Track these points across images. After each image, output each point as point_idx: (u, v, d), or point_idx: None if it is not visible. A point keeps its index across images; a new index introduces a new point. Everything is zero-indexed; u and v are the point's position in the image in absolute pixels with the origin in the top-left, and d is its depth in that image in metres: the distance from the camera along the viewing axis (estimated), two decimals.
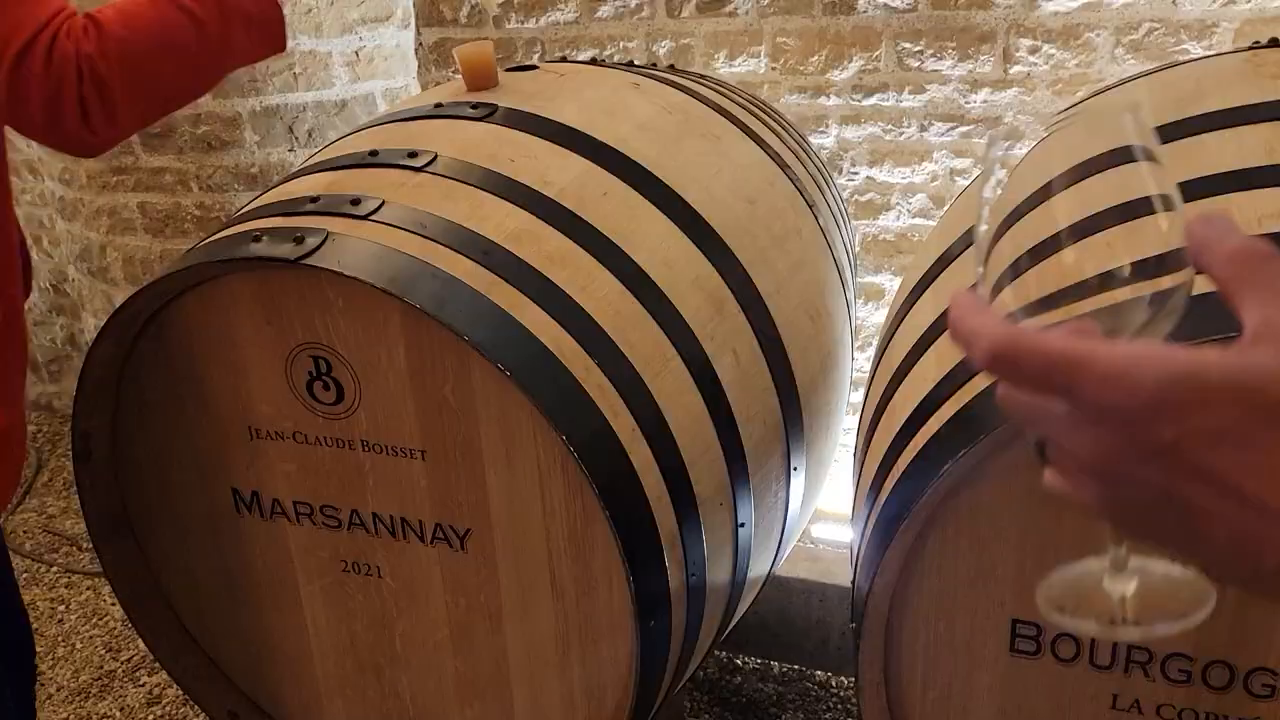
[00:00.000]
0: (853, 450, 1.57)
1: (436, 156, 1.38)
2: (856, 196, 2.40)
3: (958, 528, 1.12)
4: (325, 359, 1.30)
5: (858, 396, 1.72)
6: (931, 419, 1.13)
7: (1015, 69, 2.17)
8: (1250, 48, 1.45)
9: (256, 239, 1.24)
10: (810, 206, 1.76)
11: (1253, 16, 1.98)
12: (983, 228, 0.53)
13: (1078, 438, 0.45)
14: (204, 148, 2.61)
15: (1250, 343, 0.42)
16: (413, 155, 1.38)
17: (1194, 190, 1.03)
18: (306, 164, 1.51)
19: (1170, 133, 1.17)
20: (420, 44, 2.71)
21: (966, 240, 1.32)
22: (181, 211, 2.70)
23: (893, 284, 2.43)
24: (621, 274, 1.33)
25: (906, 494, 1.09)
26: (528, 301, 1.23)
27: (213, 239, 1.34)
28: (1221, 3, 1.99)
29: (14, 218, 1.29)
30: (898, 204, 2.37)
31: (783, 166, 1.76)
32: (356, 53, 2.61)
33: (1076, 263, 0.54)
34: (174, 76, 1.29)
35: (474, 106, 1.50)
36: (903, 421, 1.19)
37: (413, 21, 2.69)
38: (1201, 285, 0.49)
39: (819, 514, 2.33)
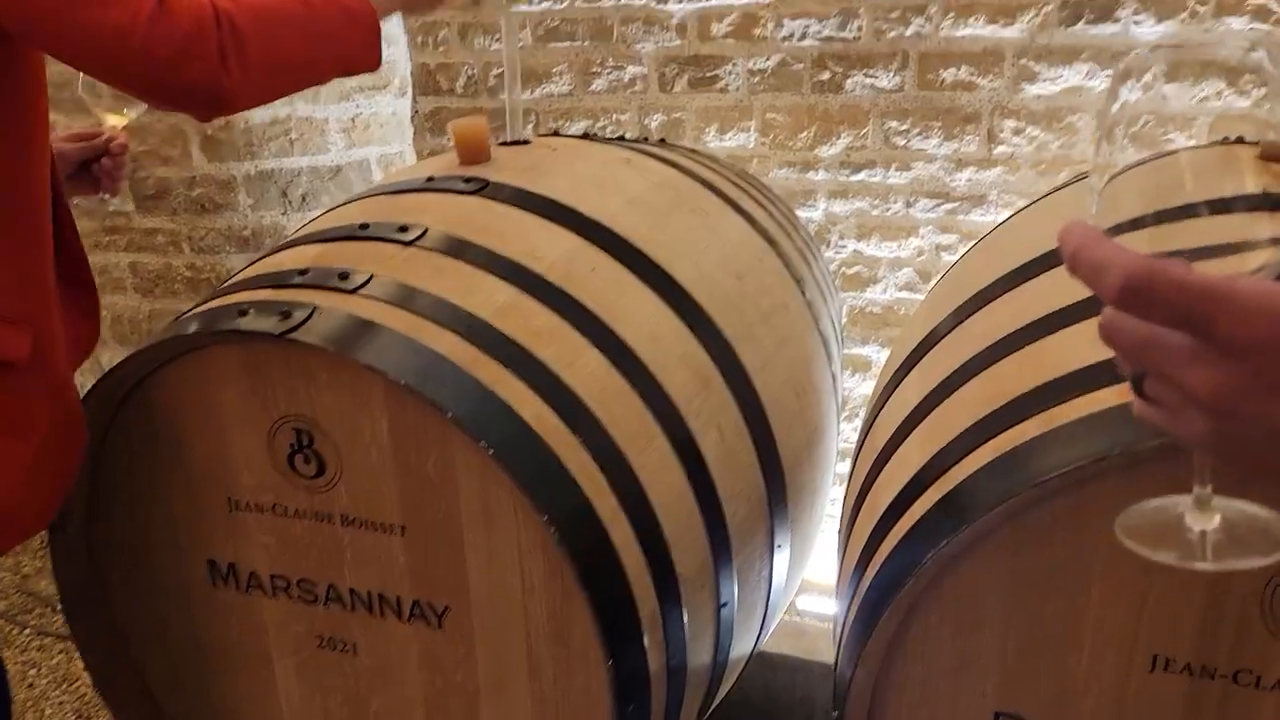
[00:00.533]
0: (838, 524, 1.57)
1: (427, 230, 1.39)
2: (844, 269, 2.42)
3: (941, 614, 1.11)
4: (308, 432, 1.29)
5: (845, 467, 1.71)
6: (915, 504, 1.12)
7: (999, 149, 2.21)
8: (1223, 142, 1.48)
9: (243, 312, 1.24)
10: (798, 282, 1.78)
11: (1223, 113, 2.02)
12: (1100, 157, 0.53)
13: (1200, 372, 0.45)
14: (197, 210, 2.63)
15: None
16: (403, 229, 1.39)
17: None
18: (298, 234, 1.52)
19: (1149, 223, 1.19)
20: (416, 111, 2.75)
21: (953, 320, 1.33)
22: (172, 272, 2.70)
23: (880, 355, 2.44)
24: (607, 350, 1.33)
25: (890, 581, 1.08)
26: (511, 376, 1.23)
27: (199, 309, 1.34)
28: (1198, 100, 2.03)
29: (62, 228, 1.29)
30: (885, 277, 2.39)
31: (770, 242, 1.77)
32: (353, 119, 2.64)
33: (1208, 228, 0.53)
34: (289, 44, 1.30)
35: (466, 180, 1.52)
36: (886, 505, 1.19)
37: (409, 90, 2.73)
38: None
39: (805, 585, 2.31)
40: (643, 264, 1.47)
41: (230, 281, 1.43)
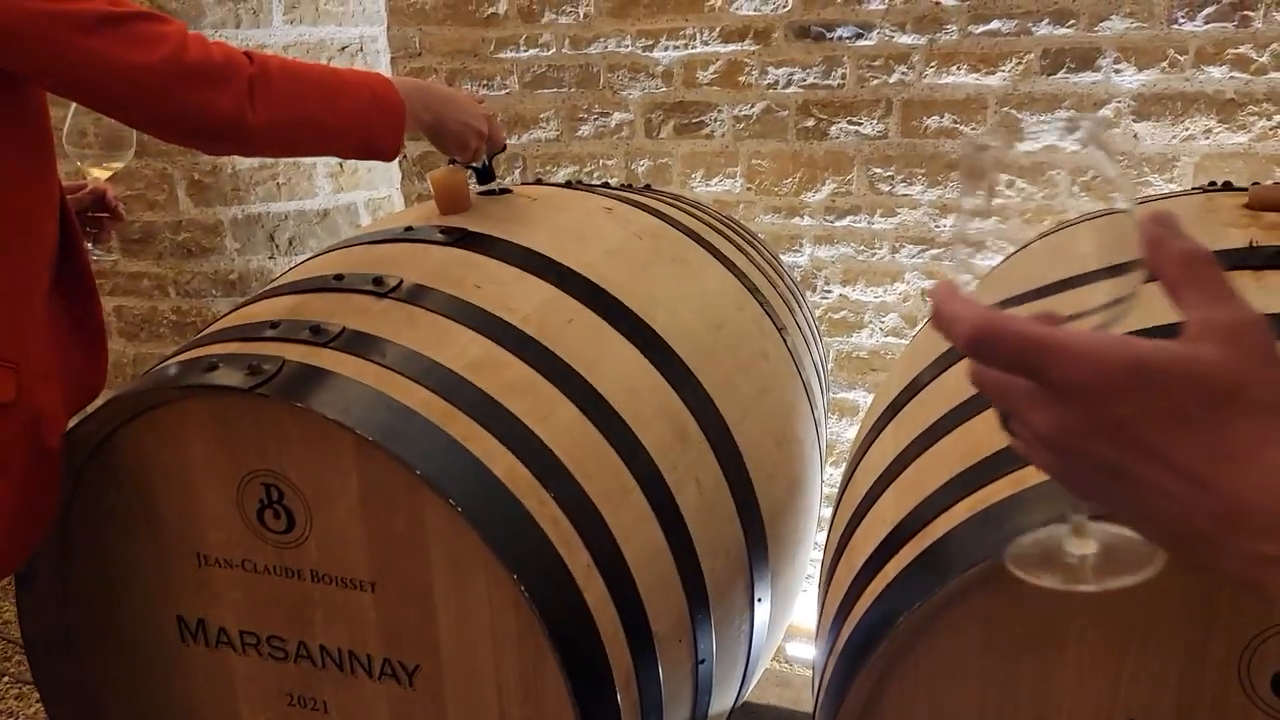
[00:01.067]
0: (819, 574, 1.54)
1: (401, 282, 1.38)
2: (830, 314, 2.41)
3: (917, 674, 1.09)
4: (277, 487, 1.27)
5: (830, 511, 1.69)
6: (891, 561, 1.11)
7: None
8: (1205, 189, 1.48)
9: (212, 366, 1.22)
10: (779, 329, 1.77)
11: (1211, 152, 2.03)
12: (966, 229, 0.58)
13: (1041, 414, 0.49)
14: (184, 254, 2.62)
15: (1195, 338, 0.47)
16: (378, 281, 1.38)
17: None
18: (274, 284, 1.51)
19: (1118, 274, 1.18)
20: (405, 156, 2.76)
21: (932, 371, 1.32)
22: (158, 316, 2.70)
23: (866, 400, 2.43)
24: (583, 403, 1.32)
25: (866, 639, 1.06)
26: (483, 432, 1.21)
27: (169, 362, 1.33)
28: (1181, 139, 2.04)
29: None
30: (871, 322, 2.38)
31: (752, 289, 1.77)
32: (340, 164, 2.65)
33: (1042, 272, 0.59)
34: (317, 102, 1.32)
35: (443, 231, 1.51)
36: (864, 559, 1.17)
37: None
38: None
39: (792, 631, 2.28)
40: (620, 314, 1.46)
41: (203, 333, 1.42)
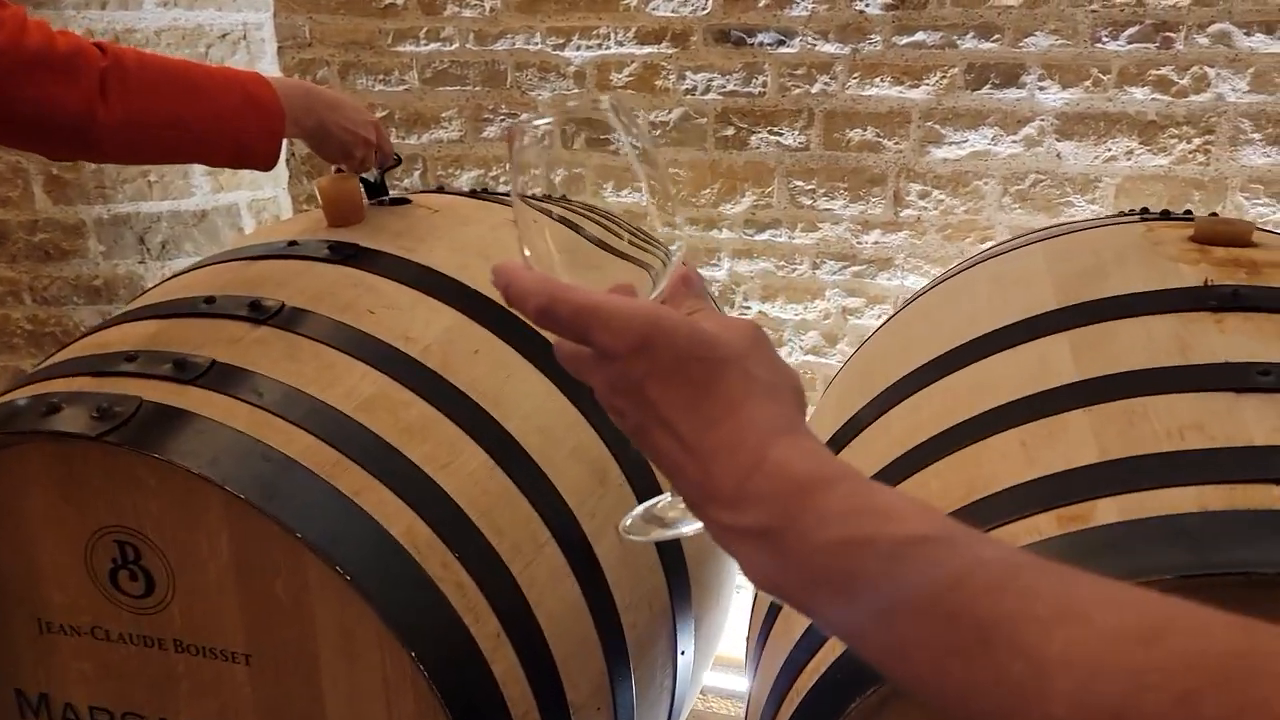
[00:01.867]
0: (747, 626, 1.43)
1: (283, 306, 1.21)
2: None
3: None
4: (133, 545, 1.10)
5: None
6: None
7: (906, 212, 2.14)
8: (1142, 217, 1.42)
9: (54, 408, 1.04)
10: None
11: (1132, 174, 2.00)
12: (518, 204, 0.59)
13: (593, 376, 0.53)
14: (40, 256, 2.37)
15: (704, 318, 0.53)
16: (254, 305, 1.21)
17: (1111, 392, 0.95)
18: (132, 307, 1.32)
19: (1078, 316, 1.10)
20: (293, 154, 2.56)
21: (870, 413, 1.22)
22: (10, 325, 2.43)
23: None
24: (491, 445, 1.18)
25: (847, 681, 0.94)
26: (377, 483, 1.06)
27: (5, 398, 1.13)
28: (1103, 159, 2.00)
29: None
30: (790, 340, 2.29)
31: None
32: None
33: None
34: (182, 102, 1.17)
35: (332, 247, 1.35)
36: (801, 633, 1.06)
37: None
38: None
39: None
40: (531, 341, 1.32)
41: (49, 363, 1.23)
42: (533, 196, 0.60)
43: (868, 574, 0.44)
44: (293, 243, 1.38)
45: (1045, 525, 0.85)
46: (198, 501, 1.05)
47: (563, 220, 0.61)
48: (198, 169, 2.41)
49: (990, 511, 0.90)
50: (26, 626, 1.17)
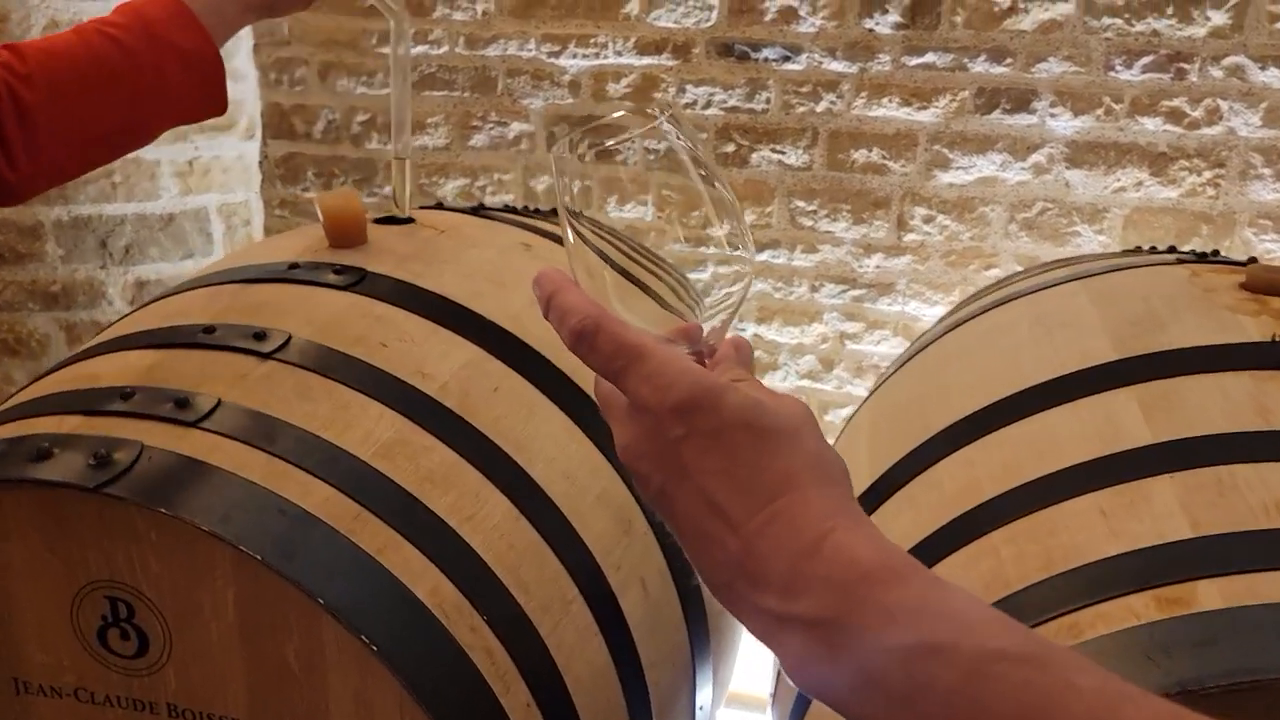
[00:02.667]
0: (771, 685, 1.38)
1: (290, 339, 1.12)
2: None
3: None
4: (126, 602, 1.00)
5: None
6: None
7: (909, 236, 2.10)
8: (1179, 258, 1.38)
9: (43, 454, 0.94)
10: None
11: (1141, 205, 1.97)
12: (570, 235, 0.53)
13: (620, 427, 0.49)
14: None
15: (750, 387, 0.48)
16: (260, 336, 1.12)
17: (1194, 457, 0.90)
18: (120, 333, 1.22)
19: (1141, 369, 1.05)
20: (266, 156, 2.44)
21: (912, 465, 1.16)
22: None
23: None
24: (515, 493, 1.10)
25: None
26: (400, 539, 0.98)
27: None
28: (1112, 189, 1.98)
29: None
30: (785, 364, 2.24)
31: None
32: (190, 163, 2.31)
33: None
34: (106, 110, 1.06)
35: (337, 271, 1.26)
36: None
37: (259, 132, 2.42)
38: None
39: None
40: (552, 378, 1.24)
41: (28, 395, 1.12)
42: (586, 217, 0.54)
43: (939, 687, 0.39)
44: (294, 265, 1.28)
45: (1142, 608, 0.80)
46: (203, 557, 0.96)
47: (612, 249, 0.55)
48: (166, 171, 2.29)
49: (1077, 587, 0.84)
50: (2, 687, 1.07)
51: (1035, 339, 1.22)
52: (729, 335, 0.54)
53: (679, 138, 0.52)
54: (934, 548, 1.01)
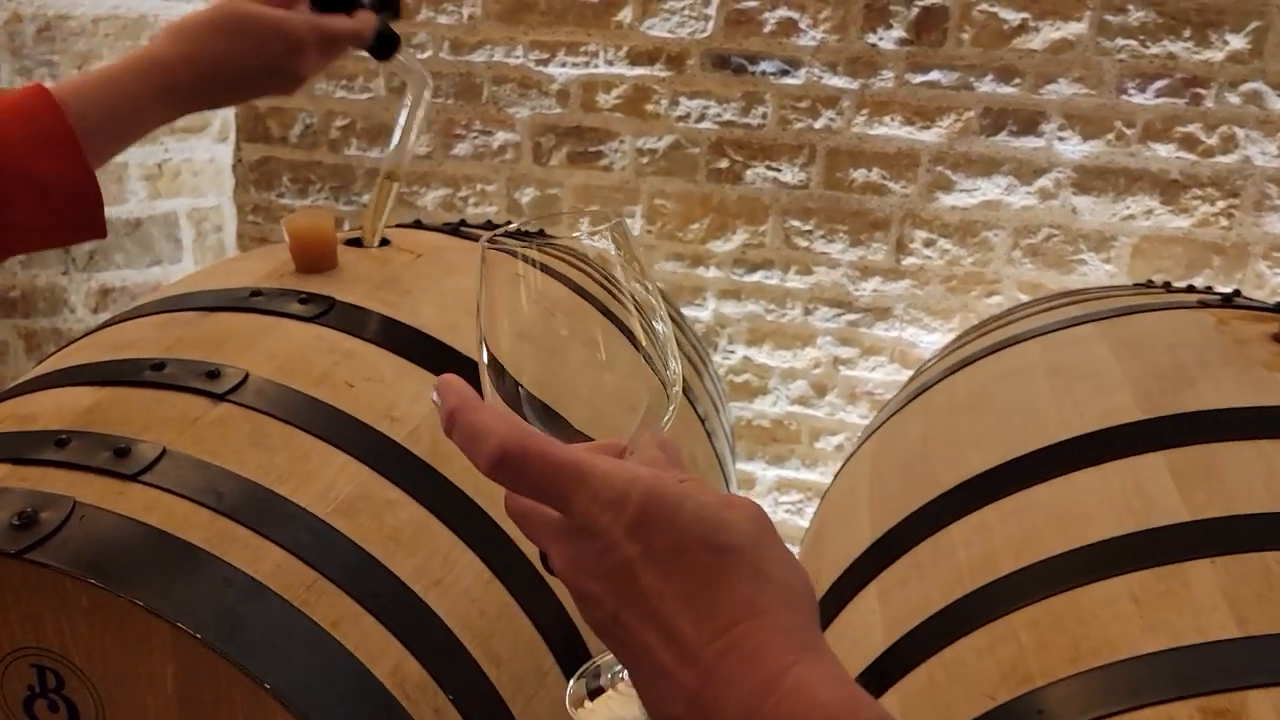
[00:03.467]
0: None
1: (247, 377, 1.03)
2: (732, 376, 2.17)
3: None
4: (55, 672, 0.90)
5: None
6: None
7: (909, 260, 2.02)
8: (1201, 301, 1.30)
9: None
10: (701, 420, 1.51)
11: (1150, 234, 1.90)
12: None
13: (559, 547, 0.45)
14: None
15: (709, 493, 0.44)
16: (213, 375, 1.03)
17: (1236, 541, 0.82)
18: (64, 363, 1.12)
19: (1171, 432, 0.97)
20: (239, 160, 2.34)
21: (922, 523, 1.08)
22: None
23: (765, 473, 2.20)
24: (487, 552, 1.01)
25: None
26: (359, 610, 0.89)
27: None
28: (1121, 217, 1.90)
29: None
30: (776, 389, 2.15)
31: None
32: (159, 165, 2.21)
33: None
34: None
35: (303, 300, 1.17)
36: None
37: (232, 135, 2.31)
38: None
39: None
40: None
41: None
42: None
43: None
44: (256, 292, 1.19)
45: (1186, 719, 0.71)
46: (139, 628, 0.87)
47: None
48: (134, 174, 2.18)
49: (1111, 687, 0.76)
50: None
51: (1054, 390, 1.14)
52: (656, 434, 0.51)
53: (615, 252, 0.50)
54: (946, 626, 0.92)
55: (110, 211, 2.25)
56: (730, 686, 0.41)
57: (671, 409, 0.51)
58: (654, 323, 0.51)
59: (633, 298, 0.51)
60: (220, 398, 1.01)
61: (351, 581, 0.90)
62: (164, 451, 0.93)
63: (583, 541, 0.44)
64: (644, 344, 0.50)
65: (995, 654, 0.86)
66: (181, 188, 2.27)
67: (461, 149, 2.19)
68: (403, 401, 1.08)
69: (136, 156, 2.18)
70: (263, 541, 0.89)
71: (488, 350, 0.50)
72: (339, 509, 0.94)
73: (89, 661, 0.90)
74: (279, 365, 1.06)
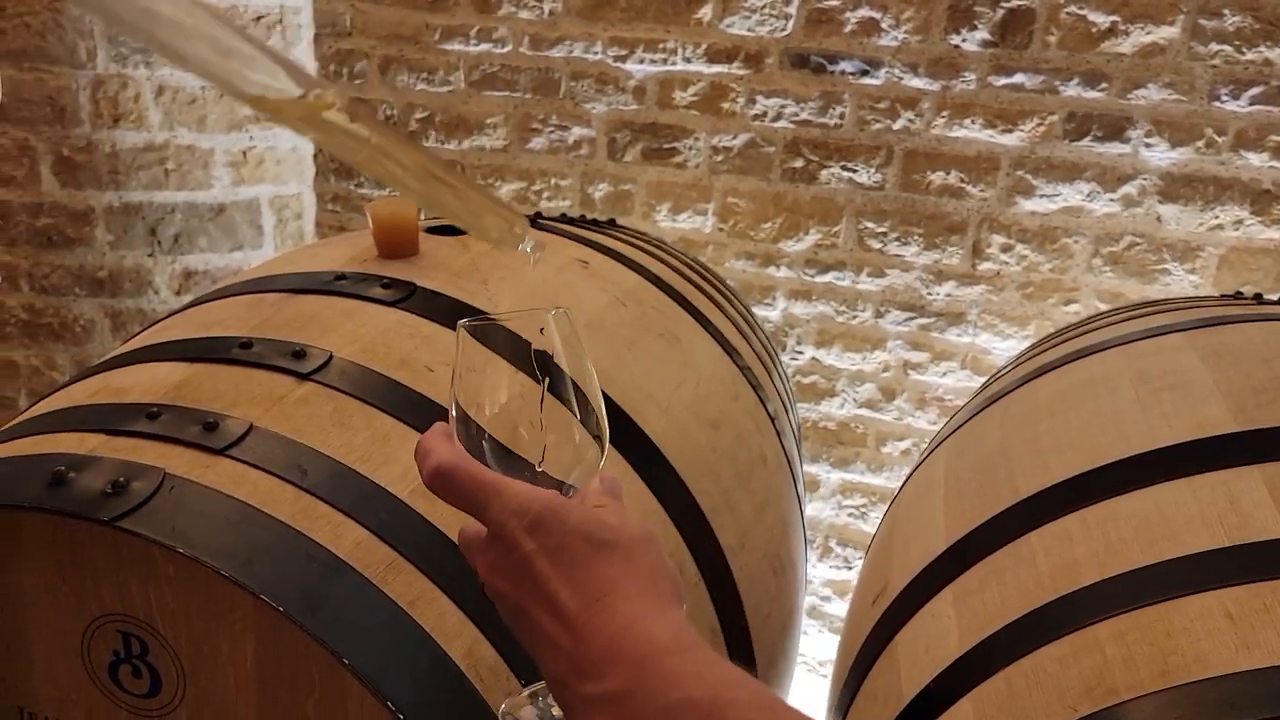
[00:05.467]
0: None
1: (331, 358, 1.05)
2: (799, 377, 2.16)
3: None
4: (140, 639, 0.93)
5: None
6: None
7: (985, 265, 1.98)
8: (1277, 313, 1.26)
9: (58, 479, 0.87)
10: (772, 419, 1.50)
11: (1239, 245, 1.84)
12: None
13: (482, 556, 0.56)
14: (43, 242, 2.20)
15: (595, 504, 0.56)
16: (299, 354, 1.05)
17: None
18: (154, 338, 1.15)
19: (1269, 446, 0.94)
20: (319, 150, 2.38)
21: (1000, 529, 1.06)
22: (4, 313, 2.26)
23: (829, 476, 2.18)
24: None
25: None
26: (435, 590, 0.90)
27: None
28: (1208, 226, 1.85)
29: None
30: (843, 391, 2.13)
31: (744, 371, 1.49)
32: (244, 152, 2.26)
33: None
34: None
35: (385, 285, 1.19)
36: None
37: None
38: None
39: None
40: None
41: (54, 405, 1.05)
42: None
43: None
44: (340, 275, 1.21)
45: None
46: (223, 599, 0.89)
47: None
48: (220, 160, 2.24)
49: (1200, 705, 0.74)
50: (6, 716, 1.01)
51: (1140, 400, 1.11)
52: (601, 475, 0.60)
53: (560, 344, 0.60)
54: (1026, 634, 0.90)
55: (196, 196, 2.32)
56: (595, 637, 0.50)
57: (604, 457, 0.60)
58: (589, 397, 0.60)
59: (572, 381, 0.60)
60: (305, 377, 1.03)
61: (428, 562, 0.91)
62: (251, 427, 0.95)
63: (495, 545, 0.54)
64: (578, 414, 0.60)
65: (1078, 664, 0.84)
66: (264, 175, 2.32)
67: (537, 143, 2.21)
68: (483, 388, 1.08)
69: (222, 143, 2.24)
70: (344, 519, 0.90)
71: (459, 407, 0.59)
72: (417, 490, 0.95)
73: (173, 630, 0.92)
74: (361, 348, 1.08)
